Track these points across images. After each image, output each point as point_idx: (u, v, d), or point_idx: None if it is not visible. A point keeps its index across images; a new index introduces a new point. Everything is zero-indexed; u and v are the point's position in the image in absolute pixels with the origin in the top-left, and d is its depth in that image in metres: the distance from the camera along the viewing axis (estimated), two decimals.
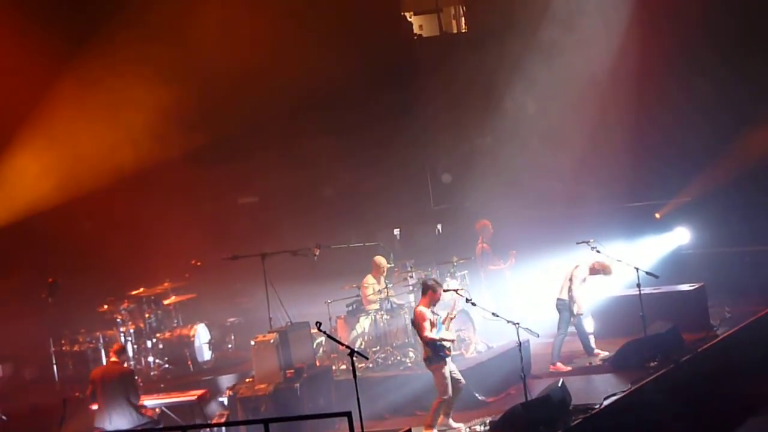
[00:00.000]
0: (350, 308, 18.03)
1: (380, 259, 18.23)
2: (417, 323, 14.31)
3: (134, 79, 21.23)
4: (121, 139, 21.40)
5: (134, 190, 22.11)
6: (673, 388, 15.30)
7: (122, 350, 15.85)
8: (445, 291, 14.80)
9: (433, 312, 14.31)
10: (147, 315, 19.90)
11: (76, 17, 21.13)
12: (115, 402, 15.01)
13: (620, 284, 17.97)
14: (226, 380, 18.36)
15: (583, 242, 16.65)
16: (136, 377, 16.33)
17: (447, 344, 14.23)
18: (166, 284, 20.34)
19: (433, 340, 14.11)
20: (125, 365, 15.93)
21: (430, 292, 14.39)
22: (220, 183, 23.69)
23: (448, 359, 14.30)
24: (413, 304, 16.22)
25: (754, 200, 21.67)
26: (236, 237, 22.41)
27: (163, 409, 16.22)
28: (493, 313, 14.55)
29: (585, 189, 22.34)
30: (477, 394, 15.59)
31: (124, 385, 15.09)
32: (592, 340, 17.43)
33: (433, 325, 14.18)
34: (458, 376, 14.45)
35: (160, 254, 21.70)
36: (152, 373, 19.40)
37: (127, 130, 21.46)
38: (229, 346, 21.01)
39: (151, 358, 19.64)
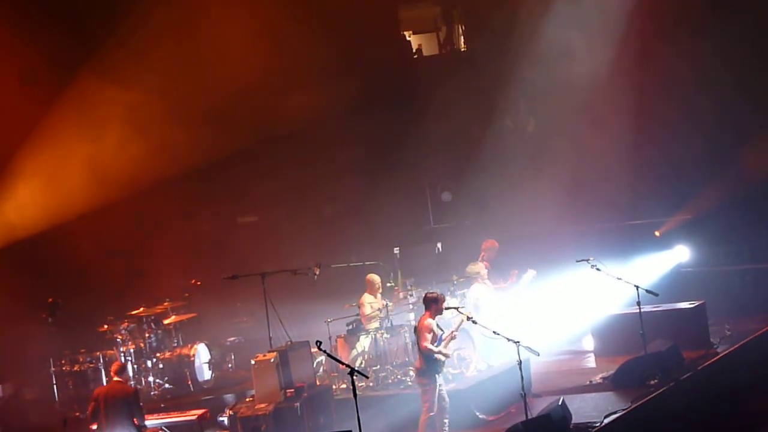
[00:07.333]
0: (350, 327, 18.03)
1: (373, 277, 18.24)
2: (420, 332, 14.31)
3: (131, 99, 21.27)
4: (119, 159, 21.41)
5: (134, 209, 22.11)
6: (673, 406, 15.28)
7: (122, 369, 15.71)
8: (445, 309, 14.81)
9: (438, 326, 14.35)
10: (147, 335, 19.87)
11: (70, 38, 21.16)
12: (117, 422, 14.86)
13: (620, 302, 17.97)
14: (227, 400, 18.35)
15: (583, 260, 16.66)
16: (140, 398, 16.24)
17: (442, 359, 14.27)
18: (166, 304, 20.30)
19: (430, 351, 14.14)
20: (128, 384, 15.84)
21: (433, 305, 14.41)
22: (220, 202, 23.69)
23: (439, 377, 14.32)
24: (413, 323, 16.20)
25: (754, 218, 21.65)
26: (236, 256, 22.41)
27: (164, 429, 16.18)
28: (494, 332, 14.55)
29: (584, 207, 22.34)
30: (477, 413, 15.59)
31: (128, 406, 14.93)
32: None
33: (435, 338, 14.21)
34: (444, 394, 14.43)
35: (160, 274, 21.70)
36: (152, 393, 19.36)
37: (125, 150, 21.48)
38: (230, 365, 20.97)
39: (151, 378, 19.60)
